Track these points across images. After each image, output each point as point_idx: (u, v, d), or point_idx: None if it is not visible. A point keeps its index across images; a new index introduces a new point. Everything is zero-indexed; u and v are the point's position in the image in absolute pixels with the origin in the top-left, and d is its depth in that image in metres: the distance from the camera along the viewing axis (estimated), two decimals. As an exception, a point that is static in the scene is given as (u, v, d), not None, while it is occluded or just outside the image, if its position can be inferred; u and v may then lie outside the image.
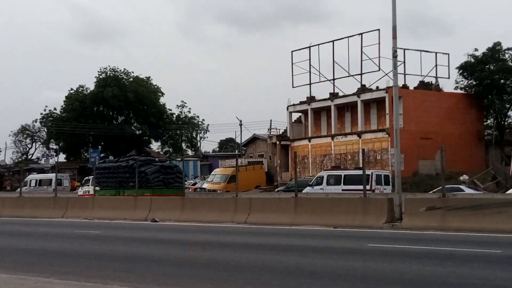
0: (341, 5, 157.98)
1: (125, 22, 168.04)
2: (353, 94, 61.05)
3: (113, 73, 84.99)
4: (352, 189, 36.40)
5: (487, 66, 61.09)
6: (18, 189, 40.94)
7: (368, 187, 34.52)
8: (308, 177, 53.54)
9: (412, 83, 63.40)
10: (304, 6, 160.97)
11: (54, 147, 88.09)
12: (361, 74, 60.97)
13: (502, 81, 61.02)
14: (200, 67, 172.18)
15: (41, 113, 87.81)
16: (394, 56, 23.82)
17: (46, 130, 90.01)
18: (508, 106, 62.03)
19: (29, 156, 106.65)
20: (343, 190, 38.10)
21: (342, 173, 41.82)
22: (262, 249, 15.08)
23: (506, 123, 63.98)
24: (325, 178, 41.52)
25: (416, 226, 19.60)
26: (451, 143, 52.88)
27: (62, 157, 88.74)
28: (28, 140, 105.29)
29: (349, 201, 23.05)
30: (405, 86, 59.51)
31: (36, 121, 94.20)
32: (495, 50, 61.23)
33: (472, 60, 61.79)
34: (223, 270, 12.05)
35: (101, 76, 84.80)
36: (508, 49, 61.68)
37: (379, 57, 58.73)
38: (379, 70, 59.42)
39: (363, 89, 60.78)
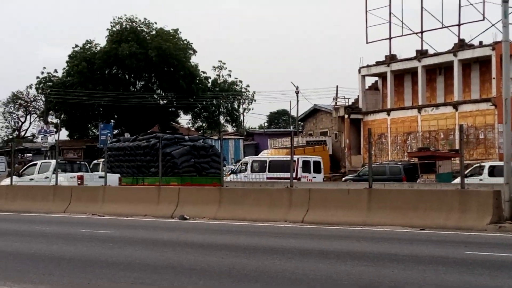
0: None
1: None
2: (448, 52, 60.32)
3: (130, 24, 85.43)
4: (277, 177, 41.58)
5: None
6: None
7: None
8: (386, 161, 53.28)
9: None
10: None
11: (54, 121, 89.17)
12: (458, 25, 60.20)
13: None
14: (244, 16, 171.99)
15: (38, 77, 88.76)
16: (505, 0, 23.41)
17: (43, 99, 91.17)
18: None
19: (22, 133, 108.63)
20: (268, 178, 43.21)
21: (267, 158, 48.33)
22: (325, 257, 15.09)
23: None
24: (250, 165, 46.23)
25: (532, 229, 19.39)
26: None
27: (64, 134, 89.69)
28: (20, 112, 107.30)
29: (441, 195, 22.86)
30: (518, 41, 58.47)
31: (30, 87, 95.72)
32: None
33: None
34: (274, 282, 12.10)
35: (114, 29, 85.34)
36: None
37: (484, 1, 57.88)
38: (483, 20, 58.54)
39: (461, 45, 59.98)
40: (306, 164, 46.02)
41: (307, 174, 45.39)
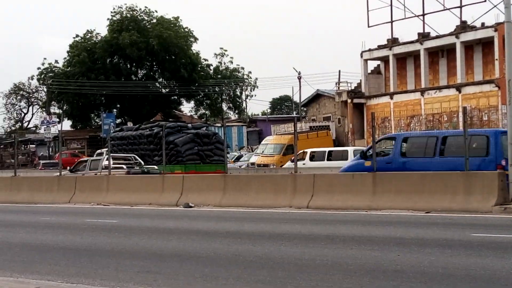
0: None
1: None
2: (450, 34, 60.22)
3: (131, 13, 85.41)
4: None
5: None
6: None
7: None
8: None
9: (531, 17, 62.01)
10: None
11: (57, 111, 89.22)
12: (460, 7, 60.09)
13: None
14: (245, 2, 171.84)
15: (39, 68, 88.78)
16: (506, -20, 23.32)
17: (45, 89, 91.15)
18: None
19: (25, 124, 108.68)
20: None
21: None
22: (331, 242, 15.10)
23: None
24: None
25: (537, 210, 19.38)
26: None
27: (67, 125, 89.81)
28: (23, 103, 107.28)
29: (446, 177, 22.82)
30: (520, 22, 58.30)
31: (32, 78, 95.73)
32: None
33: None
34: (280, 269, 12.12)
35: (115, 18, 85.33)
36: None
37: (485, -18, 57.69)
38: (485, 1, 58.43)
39: (463, 27, 59.86)
40: None
41: None
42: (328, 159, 45.43)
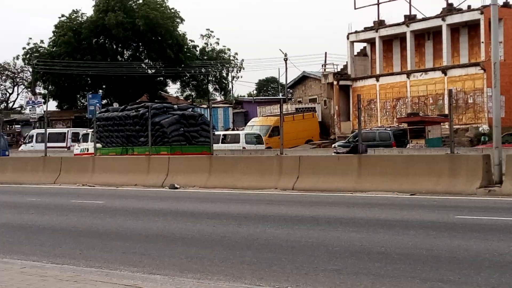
0: None
1: None
2: (437, 17, 60.25)
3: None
4: (54, 147, 46.92)
5: None
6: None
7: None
8: (376, 127, 53.36)
9: (517, 0, 62.23)
10: None
11: (42, 92, 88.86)
12: (446, -11, 60.00)
13: None
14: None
15: (24, 48, 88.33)
16: (492, -37, 23.33)
17: (30, 70, 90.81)
18: None
19: (10, 104, 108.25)
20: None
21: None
22: (316, 223, 15.14)
23: None
24: (35, 137, 53.99)
25: (521, 192, 19.46)
26: None
27: (52, 105, 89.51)
28: (8, 83, 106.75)
29: (431, 160, 22.92)
30: (506, 5, 58.46)
31: (17, 58, 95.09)
32: None
33: None
34: (266, 250, 12.15)
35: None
36: None
37: (472, -35, 57.72)
38: (471, -17, 58.41)
39: (449, 9, 59.89)
40: (75, 135, 54.81)
41: (75, 143, 52.21)
42: (223, 142, 47.36)
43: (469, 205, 18.05)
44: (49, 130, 59.98)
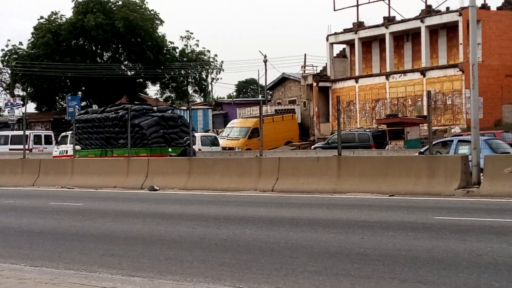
0: None
1: None
2: (415, 18, 60.49)
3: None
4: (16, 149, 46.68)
5: None
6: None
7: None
8: (356, 128, 53.49)
9: (495, 2, 62.68)
10: None
11: (21, 94, 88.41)
12: (425, -9, 60.28)
13: None
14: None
15: (3, 50, 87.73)
16: (470, -35, 23.45)
17: (9, 71, 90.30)
18: None
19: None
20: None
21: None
22: (295, 225, 15.14)
23: None
24: None
25: (499, 193, 19.53)
26: (546, 82, 52.47)
27: (31, 107, 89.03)
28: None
29: (410, 161, 23.00)
30: (484, 7, 58.78)
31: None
32: None
33: None
34: (245, 252, 12.14)
35: (80, 0, 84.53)
36: None
37: (450, -33, 58.01)
38: (449, -15, 58.71)
39: (428, 11, 60.16)
40: (37, 137, 56.47)
41: (38, 145, 55.56)
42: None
43: (448, 206, 18.11)
44: (12, 133, 60.24)
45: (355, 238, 13.07)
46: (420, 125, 47.50)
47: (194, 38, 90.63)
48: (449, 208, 17.48)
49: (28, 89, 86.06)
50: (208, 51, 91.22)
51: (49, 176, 30.91)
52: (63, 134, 50.22)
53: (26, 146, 55.78)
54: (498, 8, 60.42)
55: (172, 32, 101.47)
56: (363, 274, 10.07)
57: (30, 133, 60.47)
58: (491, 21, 56.96)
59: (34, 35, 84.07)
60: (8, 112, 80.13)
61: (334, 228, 14.44)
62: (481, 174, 20.95)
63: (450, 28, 58.53)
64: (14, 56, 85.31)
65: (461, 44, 56.03)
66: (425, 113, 48.23)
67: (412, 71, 60.47)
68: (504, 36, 56.98)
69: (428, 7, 60.47)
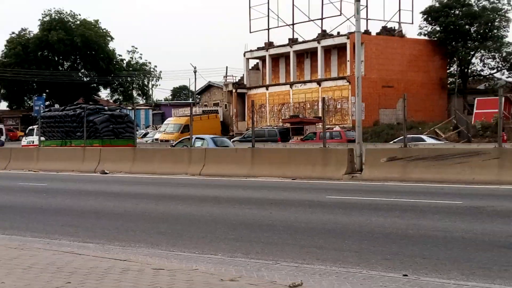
0: None
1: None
2: (313, 40, 61.01)
3: (59, 15, 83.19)
4: None
5: (452, 11, 61.34)
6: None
7: None
8: (266, 126, 53.69)
9: (375, 28, 63.63)
10: None
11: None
12: (321, 19, 60.91)
13: (467, 27, 61.42)
14: (152, 10, 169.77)
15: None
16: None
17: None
18: (472, 53, 62.64)
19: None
20: None
21: None
22: (218, 202, 15.12)
23: (469, 70, 64.68)
24: None
25: (377, 177, 19.81)
26: (413, 92, 53.58)
27: (3, 105, 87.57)
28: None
29: (308, 152, 23.18)
30: (367, 32, 59.67)
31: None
32: (460, -6, 61.50)
33: (437, 4, 62.00)
34: (177, 223, 12.07)
35: (45, 19, 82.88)
36: (474, -7, 62.03)
37: (341, 0, 58.67)
38: (340, 15, 59.49)
39: (323, 34, 60.74)
40: None
41: None
42: None
43: (337, 187, 18.31)
44: None
45: (265, 212, 13.11)
46: (316, 124, 47.95)
47: (138, 52, 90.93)
48: (338, 190, 17.66)
49: (1, 91, 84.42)
50: (149, 63, 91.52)
51: (19, 161, 30.21)
52: (30, 127, 49.14)
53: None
54: (378, 34, 61.46)
55: (120, 47, 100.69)
56: (271, 241, 10.12)
57: None
58: (372, 43, 57.86)
59: (6, 47, 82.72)
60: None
61: (249, 204, 14.46)
62: (363, 163, 21.27)
63: (340, 48, 59.23)
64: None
65: (348, 61, 56.77)
66: (320, 114, 48.76)
67: (310, 81, 61.00)
68: (381, 55, 57.95)
69: (323, 31, 61.07)
